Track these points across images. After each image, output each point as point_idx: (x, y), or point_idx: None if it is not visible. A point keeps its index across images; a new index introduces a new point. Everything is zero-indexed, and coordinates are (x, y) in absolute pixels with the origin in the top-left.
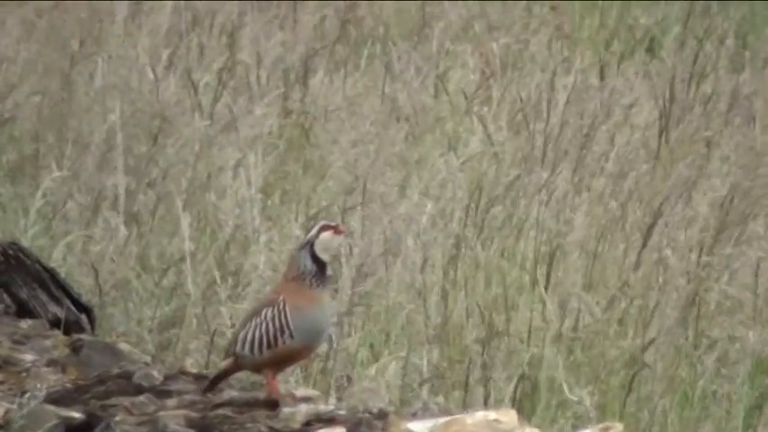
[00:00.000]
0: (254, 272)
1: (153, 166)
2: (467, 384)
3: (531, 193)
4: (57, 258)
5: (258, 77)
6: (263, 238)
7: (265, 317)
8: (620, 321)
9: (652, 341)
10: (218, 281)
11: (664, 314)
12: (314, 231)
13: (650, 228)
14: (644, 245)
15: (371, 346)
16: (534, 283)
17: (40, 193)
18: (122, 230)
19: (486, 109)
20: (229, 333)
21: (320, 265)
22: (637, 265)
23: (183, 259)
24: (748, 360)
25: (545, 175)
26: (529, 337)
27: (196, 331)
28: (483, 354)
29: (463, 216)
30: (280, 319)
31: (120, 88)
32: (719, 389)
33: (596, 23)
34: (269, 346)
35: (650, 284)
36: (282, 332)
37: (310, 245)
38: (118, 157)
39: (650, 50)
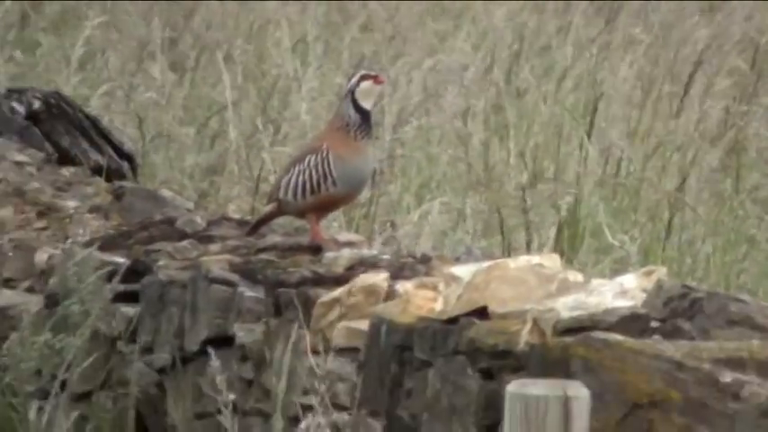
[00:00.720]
0: (296, 119)
1: (196, 15)
2: (503, 230)
3: (575, 44)
4: (97, 107)
5: None
6: (304, 87)
7: (308, 163)
8: (662, 168)
9: (683, 182)
10: (261, 128)
11: (704, 161)
12: (354, 80)
13: (691, 75)
14: (685, 93)
15: (417, 189)
16: (577, 129)
17: (80, 42)
18: (166, 78)
19: None
20: (272, 179)
21: (364, 114)
22: (677, 114)
23: (225, 107)
24: None
25: (589, 26)
26: (572, 182)
27: (238, 177)
28: (525, 198)
29: (506, 65)
30: (323, 167)
31: None
32: (761, 233)
33: None
34: (312, 191)
35: (690, 133)
36: (325, 179)
37: (351, 93)
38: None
39: None
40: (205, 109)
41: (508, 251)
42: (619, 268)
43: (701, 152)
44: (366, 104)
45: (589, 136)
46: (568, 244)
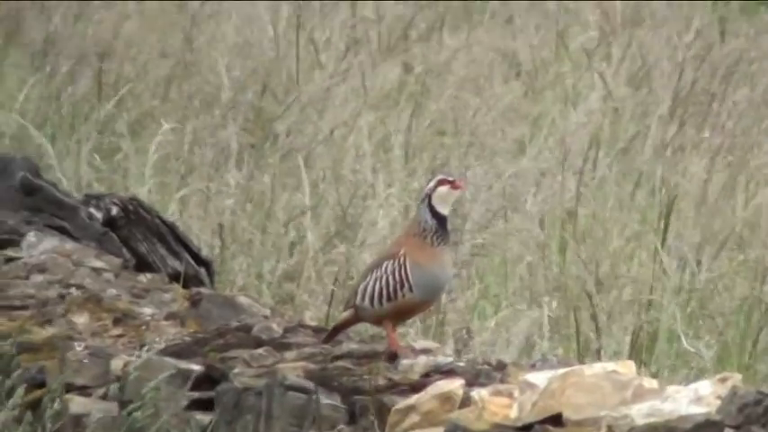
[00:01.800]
0: (373, 226)
1: (277, 122)
2: (578, 335)
3: (650, 148)
4: (175, 212)
5: (379, 34)
6: (381, 193)
7: (386, 270)
8: (739, 274)
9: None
10: (337, 235)
11: None
12: (432, 184)
13: None
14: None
15: (493, 296)
16: (653, 234)
17: (153, 147)
18: (245, 184)
19: (605, 65)
20: (348, 286)
21: (440, 220)
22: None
23: (303, 213)
24: None
25: (667, 130)
26: (646, 287)
27: (315, 284)
28: (593, 304)
29: (582, 170)
30: (400, 273)
31: (241, 46)
32: None
33: None
34: (389, 298)
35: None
36: (402, 286)
37: (429, 198)
38: (240, 114)
39: None
40: (284, 215)
41: (582, 358)
42: (694, 375)
43: None
44: (443, 210)
45: (663, 242)
46: (644, 351)
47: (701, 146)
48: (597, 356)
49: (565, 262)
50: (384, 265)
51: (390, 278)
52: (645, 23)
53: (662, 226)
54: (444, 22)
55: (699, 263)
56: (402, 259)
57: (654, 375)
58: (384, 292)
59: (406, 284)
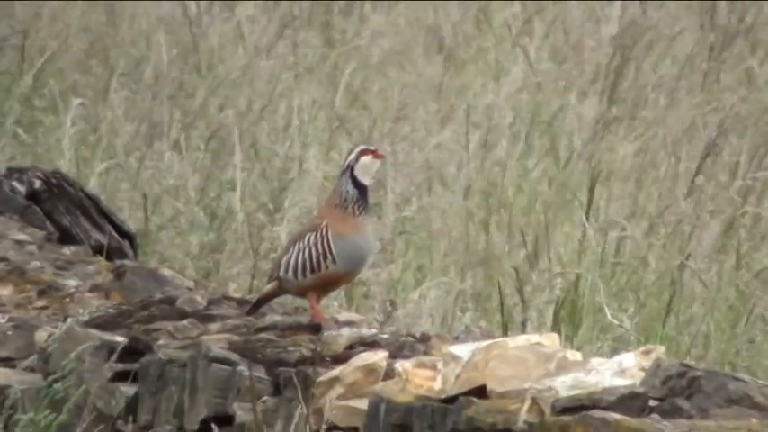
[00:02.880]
0: (298, 198)
1: (199, 97)
2: (502, 308)
3: (575, 122)
4: (98, 185)
5: (301, 8)
6: (306, 166)
7: (308, 242)
8: (662, 246)
9: (687, 257)
10: (262, 207)
11: (702, 239)
12: (353, 155)
13: (704, 158)
14: (697, 173)
15: (417, 269)
16: (577, 208)
17: (69, 121)
18: (168, 157)
19: (528, 40)
20: (272, 257)
21: (361, 189)
22: (689, 194)
23: (230, 187)
24: None
25: (590, 104)
26: (571, 261)
27: (240, 257)
28: (524, 277)
29: (506, 144)
30: (322, 245)
31: (165, 22)
32: (762, 311)
33: None
34: (312, 270)
35: (688, 211)
36: (325, 257)
37: (350, 169)
38: (166, 88)
39: None
40: (206, 188)
41: (506, 330)
42: (618, 347)
43: (697, 230)
44: (364, 180)
45: (587, 215)
46: (567, 323)
47: (625, 119)
48: (522, 329)
49: (488, 235)
50: (307, 237)
51: (313, 249)
52: None
53: (586, 200)
54: None
55: (622, 237)
56: (324, 230)
57: (579, 348)
58: (307, 263)
59: (329, 256)
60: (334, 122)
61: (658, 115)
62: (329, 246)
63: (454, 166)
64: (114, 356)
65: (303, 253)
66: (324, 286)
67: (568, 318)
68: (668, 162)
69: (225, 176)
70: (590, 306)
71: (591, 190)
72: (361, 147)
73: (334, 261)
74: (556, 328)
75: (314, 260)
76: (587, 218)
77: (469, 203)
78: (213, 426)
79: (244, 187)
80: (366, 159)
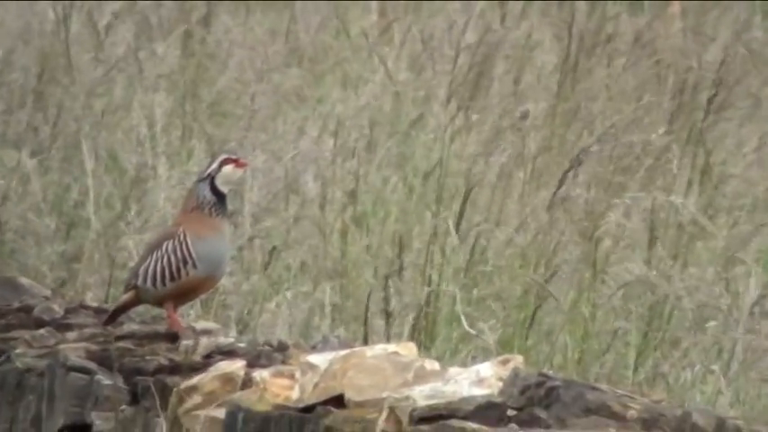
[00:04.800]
0: (154, 207)
1: (52, 105)
2: (366, 318)
3: (433, 131)
4: None
5: (160, 17)
6: (163, 175)
7: (166, 249)
8: (523, 257)
9: (553, 274)
10: (120, 217)
11: (565, 250)
12: (215, 165)
13: (566, 172)
14: (560, 185)
15: (274, 278)
16: (437, 218)
17: None
18: (24, 165)
19: (387, 50)
20: (129, 266)
21: (220, 196)
22: (550, 206)
23: (86, 195)
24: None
25: (447, 114)
26: (431, 271)
27: (96, 266)
28: (383, 288)
29: (363, 153)
30: (181, 250)
31: (22, 29)
32: (618, 323)
33: None
34: (172, 278)
35: (550, 223)
36: (185, 263)
37: (211, 178)
38: (18, 94)
39: None
40: (62, 197)
41: (366, 340)
42: (479, 356)
43: (561, 242)
44: (224, 189)
45: (458, 226)
46: (426, 333)
47: (479, 127)
48: (386, 338)
49: (346, 244)
50: (164, 245)
51: (172, 257)
52: (424, 9)
53: (443, 209)
54: (222, 5)
55: (481, 246)
56: (182, 235)
57: (437, 358)
58: (167, 272)
59: (189, 260)
60: (191, 131)
61: (515, 124)
62: (188, 250)
63: (311, 176)
64: None
65: (161, 261)
66: (182, 295)
67: (428, 328)
68: (527, 174)
69: (79, 185)
70: (450, 316)
71: (465, 200)
72: (224, 156)
73: (194, 266)
74: (415, 337)
75: (173, 267)
76: (457, 228)
77: (326, 213)
78: None
79: (98, 197)
80: (228, 168)
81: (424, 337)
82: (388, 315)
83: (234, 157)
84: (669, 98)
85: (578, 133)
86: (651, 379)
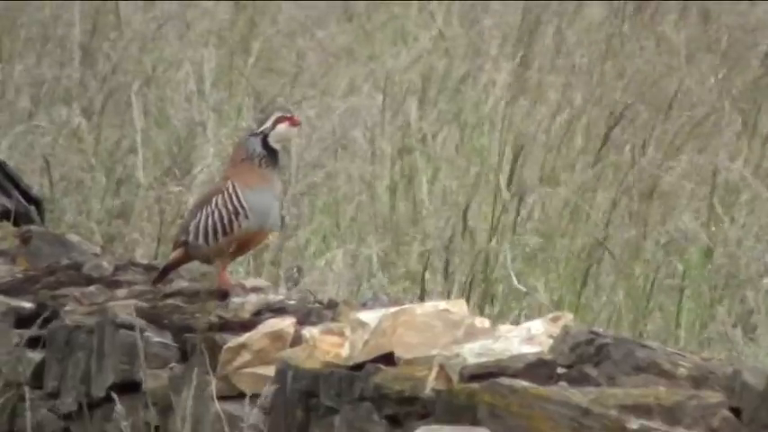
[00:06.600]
0: (203, 163)
1: (103, 59)
2: (423, 277)
3: (482, 88)
4: (3, 150)
5: None
6: (212, 131)
7: (217, 204)
8: (575, 217)
9: (607, 226)
10: (168, 172)
11: (618, 210)
12: (269, 123)
13: (609, 130)
14: (603, 144)
15: (324, 235)
16: (490, 176)
17: None
18: (74, 122)
19: (435, 4)
20: (178, 224)
21: (271, 151)
22: (595, 163)
23: (133, 151)
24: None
25: (499, 69)
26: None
27: (146, 222)
28: (441, 245)
29: (413, 109)
30: (232, 202)
31: None
32: (669, 281)
33: None
34: (224, 232)
35: (604, 182)
36: (237, 214)
37: (264, 136)
38: (73, 51)
39: None
40: (112, 154)
41: (422, 297)
42: (531, 314)
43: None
44: (277, 146)
45: (510, 182)
46: (482, 291)
47: (542, 85)
48: (436, 295)
49: (396, 200)
50: (214, 200)
51: (223, 210)
52: None
53: (502, 167)
54: None
55: (536, 204)
56: (231, 188)
57: (489, 316)
58: (218, 225)
59: (242, 211)
60: (240, 87)
61: (567, 81)
62: (239, 201)
63: (360, 132)
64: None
65: (213, 216)
66: (233, 250)
67: (483, 285)
68: (579, 131)
69: (128, 141)
70: (503, 275)
71: (514, 159)
72: (278, 113)
73: (246, 216)
74: (467, 294)
75: (225, 221)
76: (509, 185)
77: (377, 169)
78: (114, 395)
79: (147, 153)
80: (282, 127)
81: (479, 294)
82: (440, 272)
83: (288, 115)
84: (720, 56)
85: (624, 89)
86: (704, 338)
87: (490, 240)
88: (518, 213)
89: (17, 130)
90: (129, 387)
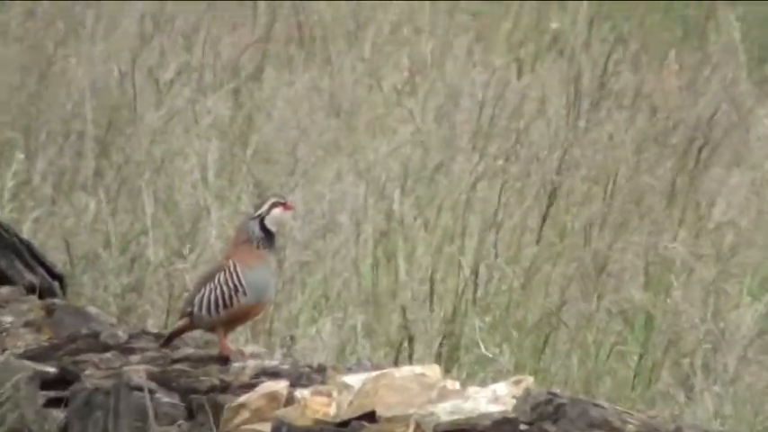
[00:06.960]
0: (207, 244)
1: (117, 151)
2: (400, 344)
3: (453, 176)
4: (27, 231)
5: (214, 74)
6: (214, 215)
7: (219, 281)
8: (526, 287)
9: (563, 304)
10: (175, 252)
11: (568, 281)
12: (265, 207)
13: (547, 209)
14: (543, 219)
15: (313, 307)
16: (454, 252)
17: (10, 174)
18: (91, 207)
19: (413, 101)
20: (183, 297)
21: (268, 233)
22: (540, 238)
23: (145, 233)
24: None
25: (469, 159)
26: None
27: (156, 296)
28: (409, 316)
29: (392, 195)
30: (232, 280)
31: (91, 85)
32: (617, 345)
33: (510, 27)
34: (225, 306)
35: (552, 255)
36: (236, 291)
37: (261, 218)
38: (88, 143)
39: (560, 51)
40: (126, 235)
41: (394, 363)
42: (495, 377)
43: (564, 274)
44: (272, 228)
45: (476, 262)
46: (449, 356)
47: (501, 174)
48: (409, 361)
49: (378, 277)
50: (217, 277)
51: (224, 287)
52: (448, 64)
53: (461, 245)
54: (269, 61)
55: (493, 278)
56: (233, 266)
57: (458, 379)
58: (219, 300)
59: (240, 288)
60: (240, 176)
61: (523, 169)
62: (239, 279)
63: (346, 216)
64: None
65: (215, 291)
66: (234, 321)
67: (450, 352)
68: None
69: (140, 224)
70: (469, 342)
71: (462, 235)
72: (273, 199)
73: (244, 293)
74: (438, 361)
75: (225, 296)
76: (475, 263)
77: (359, 250)
78: None
79: (157, 235)
80: (277, 211)
81: (446, 360)
82: (410, 341)
83: (282, 200)
84: (667, 149)
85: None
86: (649, 398)
87: (454, 313)
88: (475, 290)
89: (41, 213)
90: None
